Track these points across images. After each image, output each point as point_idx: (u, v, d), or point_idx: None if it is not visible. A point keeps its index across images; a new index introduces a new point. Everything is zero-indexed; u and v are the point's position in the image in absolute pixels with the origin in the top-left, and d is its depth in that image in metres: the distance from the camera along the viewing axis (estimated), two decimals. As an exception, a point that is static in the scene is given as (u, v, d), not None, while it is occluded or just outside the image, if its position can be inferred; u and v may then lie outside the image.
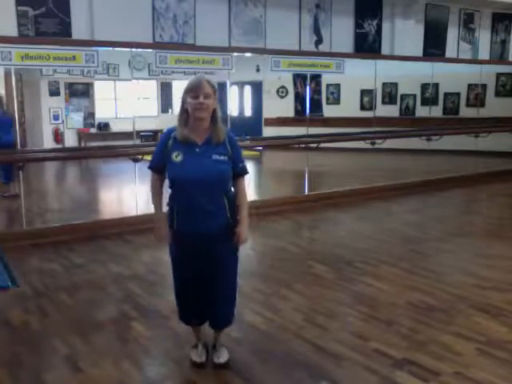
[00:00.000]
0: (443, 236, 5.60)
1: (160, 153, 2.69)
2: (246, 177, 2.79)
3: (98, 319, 3.56)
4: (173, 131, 2.68)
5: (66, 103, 13.48)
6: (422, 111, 12.51)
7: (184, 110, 2.64)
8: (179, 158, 2.61)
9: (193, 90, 2.57)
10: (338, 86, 13.91)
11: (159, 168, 2.72)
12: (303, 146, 7.86)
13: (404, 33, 8.26)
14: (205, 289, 2.79)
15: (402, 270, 4.52)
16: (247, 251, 4.99)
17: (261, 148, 11.01)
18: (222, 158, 2.63)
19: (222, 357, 2.91)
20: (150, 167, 2.78)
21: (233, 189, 2.77)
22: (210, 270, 2.75)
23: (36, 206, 7.30)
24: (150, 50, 6.16)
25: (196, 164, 2.60)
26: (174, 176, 2.63)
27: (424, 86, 12.44)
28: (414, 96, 13.11)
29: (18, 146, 5.90)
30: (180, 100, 2.67)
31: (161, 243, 2.85)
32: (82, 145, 13.20)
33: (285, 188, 8.81)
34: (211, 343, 3.00)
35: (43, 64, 5.78)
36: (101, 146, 8.30)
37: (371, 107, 11.95)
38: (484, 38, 9.45)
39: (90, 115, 13.86)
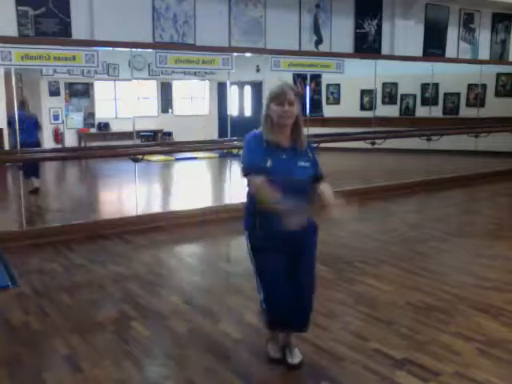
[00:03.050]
0: (443, 236, 5.60)
1: (258, 152, 2.60)
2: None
3: (98, 319, 3.56)
4: (259, 135, 2.66)
5: (65, 103, 13.48)
6: (422, 111, 12.51)
7: (268, 117, 2.64)
8: (269, 163, 2.60)
9: (277, 98, 2.59)
10: (337, 86, 13.91)
11: (261, 168, 2.57)
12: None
13: (404, 33, 8.26)
14: (292, 288, 2.80)
15: (402, 269, 4.52)
16: (248, 251, 5.00)
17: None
18: (307, 164, 2.68)
19: (296, 357, 2.90)
20: (250, 166, 2.60)
21: None
22: (294, 269, 2.77)
23: (36, 206, 7.31)
24: (150, 50, 6.16)
25: (284, 169, 2.60)
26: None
27: (424, 86, 12.44)
28: (414, 96, 13.11)
29: (18, 146, 5.89)
30: (260, 106, 2.66)
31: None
32: (82, 145, 13.20)
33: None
34: (281, 344, 2.98)
35: (43, 64, 5.78)
36: (101, 146, 8.32)
37: (371, 107, 11.95)
38: (484, 38, 9.44)
39: (89, 115, 13.86)
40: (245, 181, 2.70)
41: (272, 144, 2.63)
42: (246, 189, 2.74)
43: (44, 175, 10.47)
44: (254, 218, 2.71)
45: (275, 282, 2.76)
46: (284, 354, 2.94)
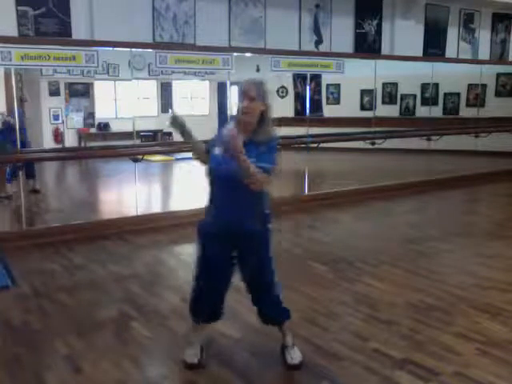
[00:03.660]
0: (443, 236, 5.60)
1: (213, 141, 2.77)
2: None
3: (98, 319, 3.56)
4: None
5: (65, 103, 13.47)
6: (422, 111, 12.50)
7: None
8: (216, 153, 2.65)
9: (239, 94, 2.62)
10: (337, 86, 13.90)
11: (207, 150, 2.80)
12: (303, 145, 7.85)
13: (404, 33, 8.26)
14: (253, 286, 2.86)
15: (401, 269, 4.52)
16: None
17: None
18: (252, 160, 2.56)
19: (296, 357, 2.90)
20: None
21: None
22: (243, 265, 2.81)
23: (36, 206, 7.30)
24: (150, 50, 6.16)
25: (226, 162, 2.56)
26: (209, 169, 2.71)
27: (424, 86, 12.43)
28: (414, 96, 13.10)
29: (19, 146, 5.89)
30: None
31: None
32: (82, 145, 13.20)
33: (285, 188, 8.80)
34: (281, 344, 2.98)
35: (43, 64, 5.78)
36: (101, 146, 8.31)
37: (371, 107, 11.94)
38: (484, 38, 9.45)
39: (89, 115, 13.86)
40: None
41: None
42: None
43: (44, 175, 10.47)
44: (207, 208, 2.80)
45: (208, 269, 2.82)
46: (283, 354, 2.94)
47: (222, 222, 2.72)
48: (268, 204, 2.80)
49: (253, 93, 2.59)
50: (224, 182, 2.63)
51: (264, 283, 2.87)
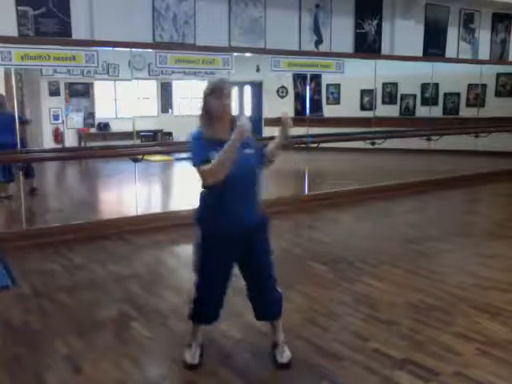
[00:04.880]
0: (443, 236, 5.60)
1: (203, 146, 2.63)
2: None
3: (98, 319, 3.56)
4: (201, 133, 2.71)
5: (65, 103, 13.46)
6: (422, 111, 12.50)
7: (206, 111, 2.67)
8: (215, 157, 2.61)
9: (216, 92, 2.63)
10: (337, 86, 13.90)
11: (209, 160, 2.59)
12: (303, 145, 7.85)
13: (404, 33, 8.26)
14: (253, 281, 2.87)
15: (401, 269, 4.52)
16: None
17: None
18: (253, 151, 2.72)
19: (286, 356, 2.90)
20: (200, 161, 2.61)
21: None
22: (251, 260, 2.82)
23: (36, 206, 7.30)
24: (150, 50, 6.16)
25: (244, 161, 2.62)
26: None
27: (424, 86, 12.43)
28: (414, 96, 13.09)
29: (18, 146, 5.88)
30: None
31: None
32: (82, 145, 13.19)
33: (285, 188, 8.81)
34: (272, 342, 2.99)
35: (43, 64, 5.77)
36: (101, 146, 8.32)
37: (371, 107, 11.94)
38: (484, 38, 9.45)
39: (89, 115, 13.85)
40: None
41: (214, 139, 2.63)
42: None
43: (44, 175, 10.47)
44: (211, 210, 2.79)
45: (212, 281, 2.82)
46: (274, 354, 2.94)
47: (237, 220, 2.70)
48: None
49: (229, 90, 2.65)
50: (239, 180, 2.62)
51: (268, 279, 2.89)
